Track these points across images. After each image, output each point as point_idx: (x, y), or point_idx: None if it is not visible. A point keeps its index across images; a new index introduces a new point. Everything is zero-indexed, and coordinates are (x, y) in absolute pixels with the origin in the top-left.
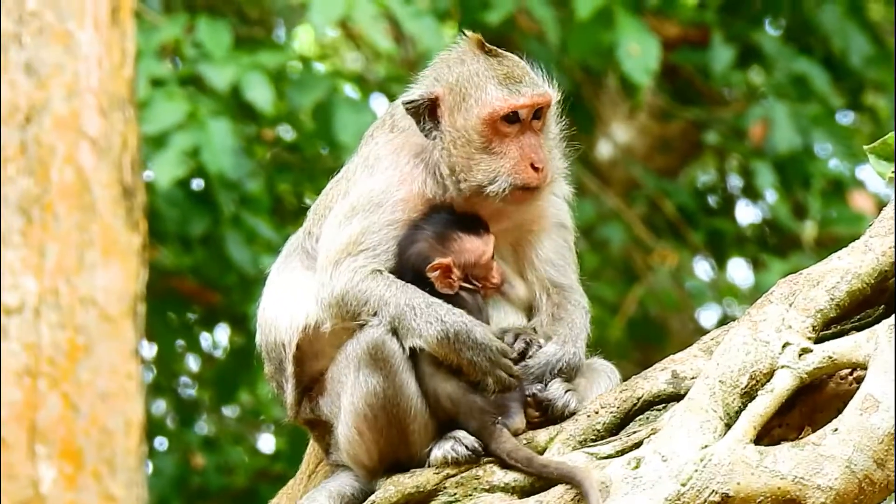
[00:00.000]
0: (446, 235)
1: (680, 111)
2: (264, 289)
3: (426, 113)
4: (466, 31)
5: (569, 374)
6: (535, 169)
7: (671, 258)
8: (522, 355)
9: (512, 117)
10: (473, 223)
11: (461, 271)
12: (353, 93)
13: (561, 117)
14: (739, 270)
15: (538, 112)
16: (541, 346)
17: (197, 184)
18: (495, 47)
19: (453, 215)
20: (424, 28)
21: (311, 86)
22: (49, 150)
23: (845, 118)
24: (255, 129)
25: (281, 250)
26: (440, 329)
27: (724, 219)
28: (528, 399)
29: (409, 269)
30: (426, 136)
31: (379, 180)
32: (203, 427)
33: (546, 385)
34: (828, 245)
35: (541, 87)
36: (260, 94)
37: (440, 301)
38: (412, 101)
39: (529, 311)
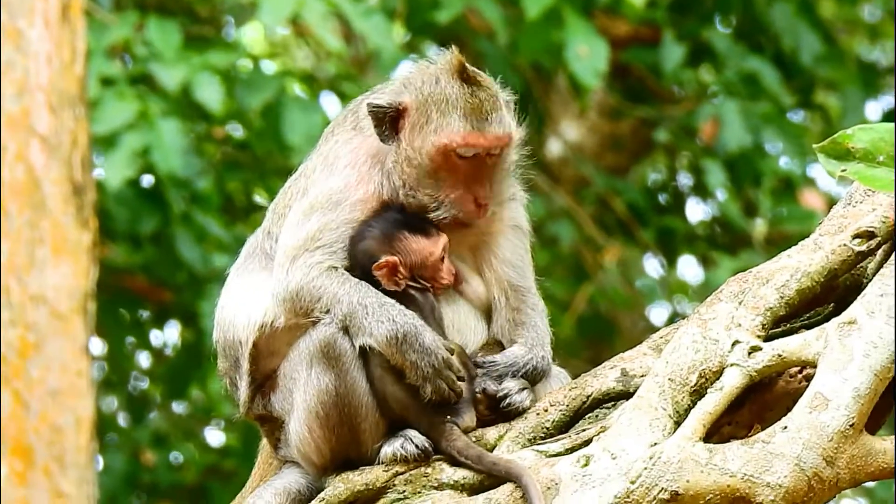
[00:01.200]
0: (393, 235)
1: (630, 109)
2: (223, 289)
3: (389, 121)
4: (453, 49)
5: (534, 378)
6: (478, 205)
7: (613, 253)
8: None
9: (467, 153)
10: (423, 223)
11: (408, 270)
12: (302, 92)
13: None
14: (690, 268)
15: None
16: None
17: (147, 181)
18: (476, 73)
19: (403, 215)
20: (374, 27)
21: (260, 85)
22: None
23: (796, 116)
24: (206, 128)
25: (240, 251)
26: (390, 328)
27: (675, 217)
28: (479, 395)
29: (357, 266)
30: (383, 141)
31: (338, 179)
32: (153, 423)
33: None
34: (778, 243)
35: (505, 128)
36: (210, 95)
37: (393, 301)
38: (378, 107)
39: (488, 311)
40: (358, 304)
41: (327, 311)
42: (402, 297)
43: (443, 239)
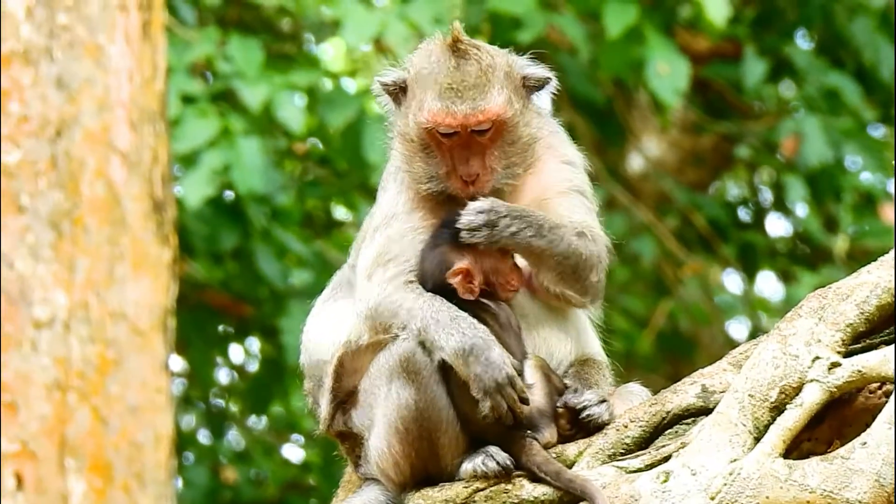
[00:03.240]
0: (456, 234)
1: (711, 125)
2: (309, 316)
3: (396, 97)
4: (456, 24)
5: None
6: (465, 182)
7: (700, 269)
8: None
9: (444, 130)
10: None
11: (481, 275)
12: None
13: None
14: (770, 283)
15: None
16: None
17: (227, 196)
18: (472, 46)
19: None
20: None
21: (341, 104)
22: (79, 164)
23: (876, 131)
24: (287, 143)
25: (328, 283)
26: (459, 341)
27: (755, 232)
28: (560, 411)
29: (429, 277)
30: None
31: (389, 194)
32: (234, 439)
33: (581, 393)
34: (859, 258)
35: (481, 105)
36: (291, 114)
37: (466, 315)
38: (385, 84)
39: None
40: (431, 318)
41: (404, 327)
42: (478, 309)
43: None
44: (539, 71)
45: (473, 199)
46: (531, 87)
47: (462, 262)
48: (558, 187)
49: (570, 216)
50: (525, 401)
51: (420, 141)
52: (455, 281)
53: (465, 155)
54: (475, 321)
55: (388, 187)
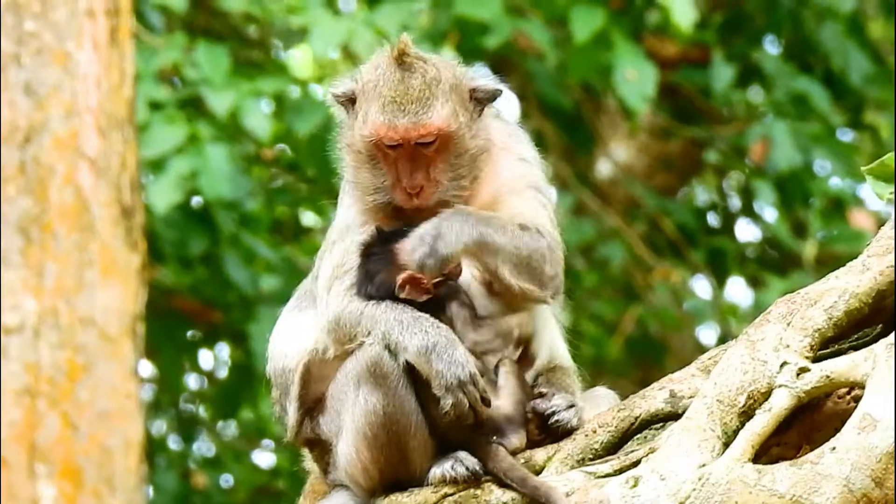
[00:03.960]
0: (391, 254)
1: (680, 130)
2: (275, 327)
3: (347, 106)
4: (404, 36)
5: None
6: (409, 193)
7: (671, 275)
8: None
9: (387, 143)
10: (404, 225)
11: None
12: None
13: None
14: (739, 289)
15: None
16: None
17: (196, 202)
18: (418, 58)
19: (384, 233)
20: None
21: (308, 110)
22: (48, 170)
23: (845, 136)
24: (255, 149)
25: (292, 294)
26: (422, 339)
27: (725, 237)
28: (529, 416)
29: (384, 299)
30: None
31: (343, 206)
32: (204, 445)
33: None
34: (828, 263)
35: (423, 119)
36: (257, 122)
37: (427, 316)
38: (336, 95)
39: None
40: (394, 321)
41: (368, 333)
42: (439, 312)
43: None
44: (488, 83)
45: (418, 210)
46: (480, 98)
47: (401, 275)
48: (512, 185)
49: (521, 212)
50: (486, 401)
51: (366, 152)
52: (406, 293)
53: (409, 167)
54: (437, 321)
55: (342, 200)
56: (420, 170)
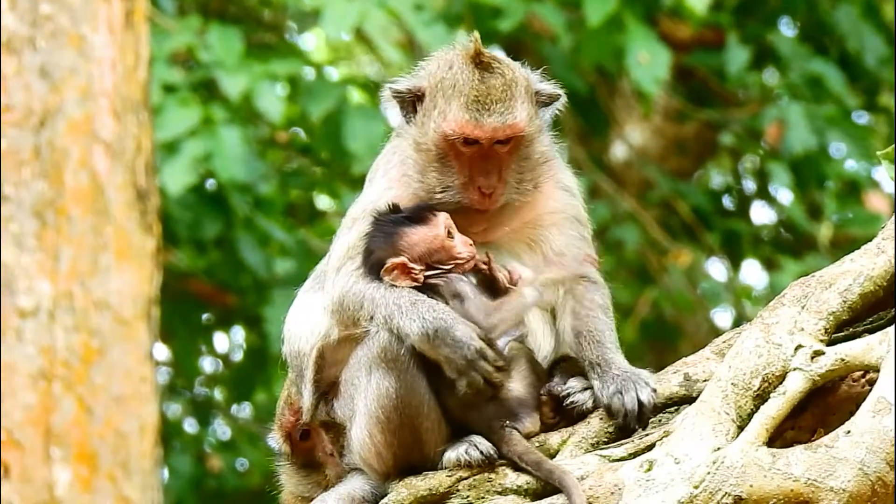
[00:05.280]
0: (393, 235)
1: (695, 112)
2: (290, 307)
3: (410, 105)
4: (476, 35)
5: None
6: (483, 194)
7: (685, 257)
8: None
9: (469, 141)
10: (417, 213)
11: (422, 262)
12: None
13: (557, 128)
14: (754, 271)
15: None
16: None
17: (210, 184)
18: (494, 60)
19: (397, 213)
20: (436, 36)
21: (322, 93)
22: (63, 154)
23: (860, 118)
24: (269, 132)
25: (309, 274)
26: (421, 325)
27: (739, 220)
28: (543, 398)
29: (376, 278)
30: (406, 121)
31: (373, 190)
32: (219, 428)
33: (564, 381)
34: (843, 246)
35: (508, 119)
36: (270, 104)
37: (425, 298)
38: (398, 92)
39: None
40: (393, 305)
41: (371, 318)
42: (434, 289)
43: (441, 218)
44: (550, 87)
45: (487, 211)
46: (542, 102)
47: (393, 259)
48: (555, 215)
49: (565, 248)
50: (501, 368)
51: (437, 150)
52: (390, 278)
53: (484, 167)
54: (434, 302)
55: (375, 181)
56: (494, 170)
